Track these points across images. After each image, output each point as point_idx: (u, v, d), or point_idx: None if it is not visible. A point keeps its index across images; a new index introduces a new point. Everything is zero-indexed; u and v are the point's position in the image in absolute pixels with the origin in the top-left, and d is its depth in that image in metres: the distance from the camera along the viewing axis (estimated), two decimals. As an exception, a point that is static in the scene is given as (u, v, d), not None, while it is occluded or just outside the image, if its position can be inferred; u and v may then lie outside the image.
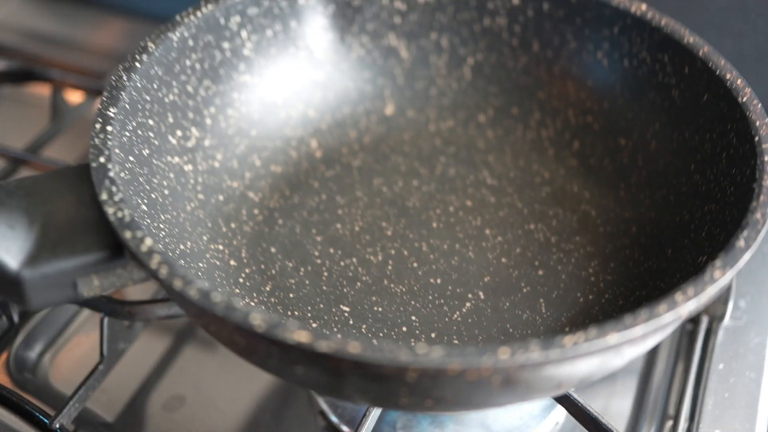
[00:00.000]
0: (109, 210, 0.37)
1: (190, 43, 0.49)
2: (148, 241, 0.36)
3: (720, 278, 0.35)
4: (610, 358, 0.35)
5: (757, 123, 0.43)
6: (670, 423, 0.49)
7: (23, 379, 0.51)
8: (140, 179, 0.44)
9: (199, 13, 0.49)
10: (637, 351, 0.36)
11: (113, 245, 0.37)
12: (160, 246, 0.42)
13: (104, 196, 0.38)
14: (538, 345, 0.32)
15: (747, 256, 0.37)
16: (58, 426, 0.46)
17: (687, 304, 0.34)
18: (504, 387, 0.34)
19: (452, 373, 0.32)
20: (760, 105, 0.44)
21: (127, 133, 0.44)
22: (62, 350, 0.53)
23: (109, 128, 0.42)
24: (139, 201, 0.42)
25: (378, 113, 0.57)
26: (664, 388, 0.51)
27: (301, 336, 0.32)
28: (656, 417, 0.49)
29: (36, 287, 0.37)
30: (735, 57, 0.62)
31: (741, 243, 0.37)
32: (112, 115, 0.43)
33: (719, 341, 0.52)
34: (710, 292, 0.35)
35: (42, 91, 0.73)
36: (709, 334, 0.52)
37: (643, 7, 0.50)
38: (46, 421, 0.47)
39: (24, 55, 0.76)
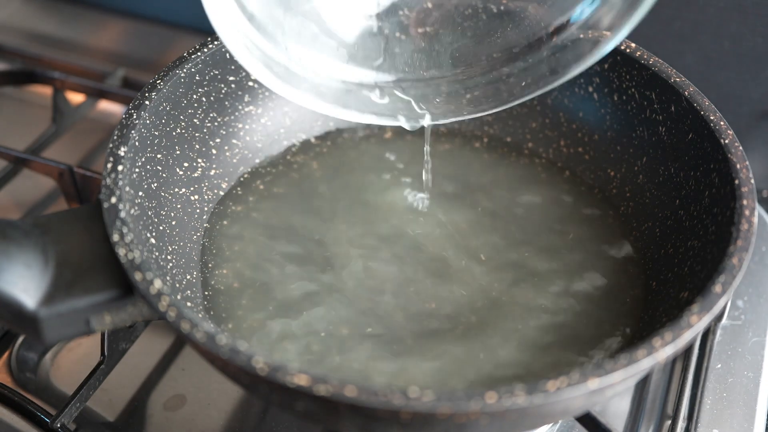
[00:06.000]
0: (120, 251, 0.39)
1: (197, 77, 0.51)
2: (157, 283, 0.38)
3: (696, 323, 0.37)
4: (591, 398, 0.37)
5: (738, 166, 0.45)
6: (668, 423, 0.50)
7: (24, 379, 0.52)
8: (149, 213, 0.46)
9: (205, 49, 0.51)
10: (616, 390, 0.38)
11: (124, 285, 0.39)
12: (168, 279, 0.44)
13: (115, 237, 0.40)
14: (523, 390, 0.34)
15: (723, 302, 0.39)
16: (59, 425, 0.47)
17: (664, 349, 0.36)
18: (491, 425, 0.36)
19: (442, 417, 0.34)
20: (741, 148, 0.45)
21: (137, 170, 0.46)
22: (63, 350, 0.54)
23: (120, 168, 0.43)
24: (148, 235, 0.44)
25: (378, 138, 0.59)
26: (663, 387, 0.52)
27: (300, 380, 0.34)
28: (654, 417, 0.51)
29: (51, 324, 0.39)
30: (733, 58, 0.63)
31: (718, 288, 0.39)
32: (123, 154, 0.44)
33: (717, 341, 0.53)
34: (687, 337, 0.37)
35: (43, 92, 0.74)
36: (707, 333, 0.53)
37: (632, 45, 0.52)
38: (47, 420, 0.48)
39: (26, 56, 0.77)
